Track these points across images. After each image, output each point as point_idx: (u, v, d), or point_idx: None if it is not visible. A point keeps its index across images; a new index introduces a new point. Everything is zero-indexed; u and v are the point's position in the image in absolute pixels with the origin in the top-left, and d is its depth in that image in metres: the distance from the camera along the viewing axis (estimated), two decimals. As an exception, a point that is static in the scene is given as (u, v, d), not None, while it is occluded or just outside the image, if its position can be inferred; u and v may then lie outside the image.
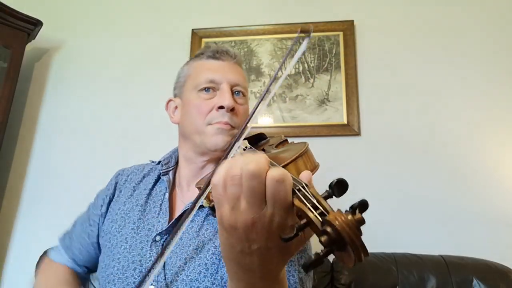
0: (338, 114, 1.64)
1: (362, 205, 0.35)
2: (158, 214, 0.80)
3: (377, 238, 1.47)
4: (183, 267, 0.70)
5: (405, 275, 1.23)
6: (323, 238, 0.32)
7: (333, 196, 0.38)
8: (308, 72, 1.72)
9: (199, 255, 0.70)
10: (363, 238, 0.33)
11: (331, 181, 0.37)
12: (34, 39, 1.81)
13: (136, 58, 1.85)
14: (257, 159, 0.38)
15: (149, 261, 0.73)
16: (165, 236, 0.75)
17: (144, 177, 0.90)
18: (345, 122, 1.62)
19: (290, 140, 0.77)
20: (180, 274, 0.69)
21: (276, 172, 0.37)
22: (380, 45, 1.71)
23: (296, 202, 0.37)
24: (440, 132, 1.58)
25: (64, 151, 1.76)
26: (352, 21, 1.74)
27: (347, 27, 1.73)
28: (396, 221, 1.50)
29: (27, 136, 1.80)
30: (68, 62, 1.89)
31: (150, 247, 0.75)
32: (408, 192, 1.52)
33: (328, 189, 0.38)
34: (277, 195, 0.38)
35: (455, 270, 1.22)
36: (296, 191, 0.38)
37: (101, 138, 1.75)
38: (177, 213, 0.78)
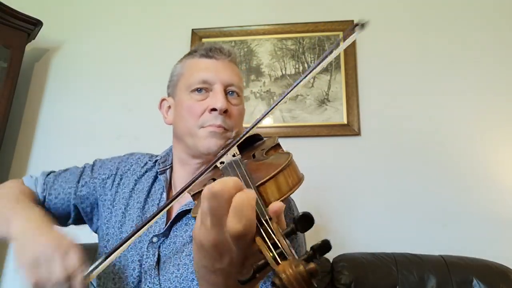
0: (338, 114, 1.64)
1: (323, 247, 0.33)
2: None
3: (377, 238, 1.47)
4: (176, 273, 0.69)
5: (405, 275, 1.23)
6: None
7: (297, 233, 0.36)
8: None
9: (192, 262, 0.69)
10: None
11: (295, 216, 0.35)
12: (34, 39, 1.81)
13: (136, 58, 1.85)
14: (225, 181, 0.37)
15: (146, 262, 0.73)
16: (162, 238, 0.74)
17: (146, 171, 0.88)
18: (345, 122, 1.62)
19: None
20: (173, 281, 0.69)
21: (235, 229, 0.35)
22: (380, 45, 1.71)
23: (257, 238, 0.36)
24: (440, 132, 1.58)
25: (64, 151, 1.76)
26: (352, 21, 1.74)
27: (347, 27, 1.73)
28: (396, 221, 1.50)
29: (27, 136, 1.80)
30: (68, 62, 1.90)
31: (147, 248, 0.74)
32: (408, 192, 1.52)
33: (292, 224, 0.36)
34: (238, 244, 0.36)
35: (455, 270, 1.22)
36: (259, 226, 0.36)
37: (101, 138, 1.75)
38: (173, 215, 0.77)
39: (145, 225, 0.53)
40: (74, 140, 1.77)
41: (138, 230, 0.53)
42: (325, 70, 1.71)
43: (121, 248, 0.53)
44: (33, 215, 0.69)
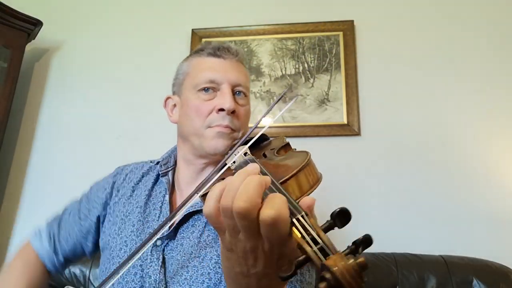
0: (338, 114, 1.64)
1: (366, 242, 0.33)
2: (159, 217, 0.78)
3: (377, 238, 1.47)
4: (185, 275, 0.68)
5: (405, 275, 1.23)
6: (322, 285, 0.30)
7: (335, 228, 0.35)
8: (308, 72, 1.72)
9: (202, 264, 0.68)
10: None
11: (332, 211, 0.35)
12: (34, 39, 1.81)
13: (136, 58, 1.85)
14: (248, 195, 0.36)
15: (150, 266, 0.71)
16: (166, 240, 0.73)
17: (143, 176, 0.87)
18: (345, 122, 1.62)
19: (290, 141, 0.75)
20: (183, 283, 0.67)
21: (267, 215, 0.35)
22: (380, 45, 1.71)
23: (294, 234, 0.35)
24: (440, 132, 1.58)
25: (64, 151, 1.76)
26: (352, 21, 1.74)
27: (347, 27, 1.73)
28: (396, 221, 1.50)
29: (27, 136, 1.80)
30: (68, 62, 1.89)
31: (151, 252, 0.72)
32: (408, 192, 1.52)
33: (329, 219, 0.35)
34: (270, 236, 0.36)
35: (455, 270, 1.22)
36: (295, 221, 0.36)
37: (101, 138, 1.75)
38: (178, 217, 0.75)
39: (155, 233, 0.53)
40: (74, 140, 1.77)
41: (150, 238, 0.53)
42: (325, 70, 1.71)
43: (130, 261, 0.53)
44: None
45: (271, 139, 0.76)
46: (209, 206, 0.41)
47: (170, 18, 1.89)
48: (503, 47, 1.64)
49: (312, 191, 0.46)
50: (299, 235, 0.35)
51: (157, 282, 0.69)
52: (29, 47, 1.81)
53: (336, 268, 0.30)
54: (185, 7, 1.90)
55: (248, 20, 1.81)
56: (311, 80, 1.70)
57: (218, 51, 0.80)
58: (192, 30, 1.82)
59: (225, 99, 0.74)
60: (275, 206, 0.35)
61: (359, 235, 0.34)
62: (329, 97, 1.67)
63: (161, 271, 0.70)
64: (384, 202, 1.52)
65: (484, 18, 1.68)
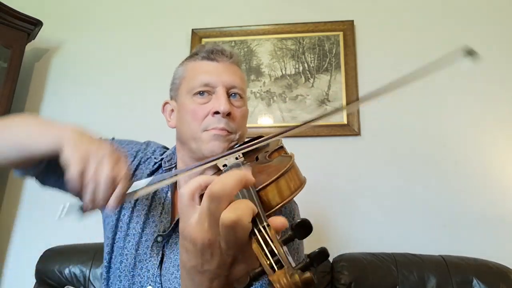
0: (338, 114, 1.64)
1: (320, 256, 0.33)
2: (161, 213, 0.80)
3: (377, 238, 1.47)
4: (176, 274, 0.70)
5: (405, 275, 1.23)
6: None
7: (295, 239, 0.36)
8: (308, 72, 1.72)
9: None
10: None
11: (292, 222, 0.35)
12: (34, 39, 1.81)
13: (136, 58, 1.85)
14: (224, 183, 0.37)
15: (149, 261, 0.73)
16: (167, 238, 0.75)
17: (157, 168, 0.89)
18: (345, 122, 1.62)
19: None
20: (173, 282, 0.70)
21: (227, 217, 0.35)
22: (380, 45, 1.71)
23: (254, 245, 0.35)
24: (440, 132, 1.58)
25: (64, 151, 1.76)
26: (352, 21, 1.74)
27: (347, 27, 1.73)
28: (396, 221, 1.50)
29: (27, 136, 1.80)
30: (68, 62, 1.90)
31: (151, 247, 0.75)
32: (408, 192, 1.53)
33: (289, 231, 0.35)
34: (228, 237, 0.36)
35: (455, 270, 1.22)
36: (256, 232, 0.36)
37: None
38: (177, 216, 0.77)
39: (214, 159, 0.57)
40: (74, 140, 1.77)
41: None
42: (325, 70, 1.71)
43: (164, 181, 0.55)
44: (80, 129, 0.65)
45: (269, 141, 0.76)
46: (188, 187, 0.42)
47: (170, 18, 1.89)
48: (503, 47, 1.64)
49: (294, 196, 0.46)
50: (258, 247, 0.35)
51: (155, 276, 0.71)
52: (29, 47, 1.81)
53: (278, 284, 0.30)
54: (185, 7, 1.90)
55: (248, 20, 1.81)
56: (311, 80, 1.71)
57: (212, 54, 0.80)
58: (192, 30, 1.82)
59: (219, 102, 0.75)
60: (237, 211, 0.35)
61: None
62: (329, 97, 1.67)
63: (159, 266, 0.72)
64: (384, 202, 1.52)
65: (485, 19, 1.68)
